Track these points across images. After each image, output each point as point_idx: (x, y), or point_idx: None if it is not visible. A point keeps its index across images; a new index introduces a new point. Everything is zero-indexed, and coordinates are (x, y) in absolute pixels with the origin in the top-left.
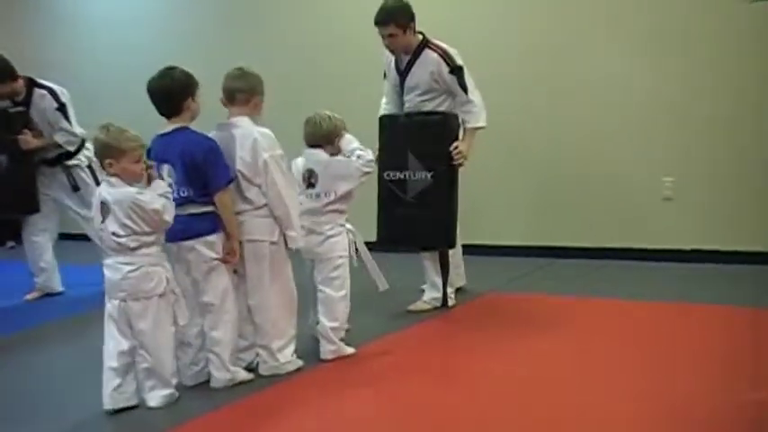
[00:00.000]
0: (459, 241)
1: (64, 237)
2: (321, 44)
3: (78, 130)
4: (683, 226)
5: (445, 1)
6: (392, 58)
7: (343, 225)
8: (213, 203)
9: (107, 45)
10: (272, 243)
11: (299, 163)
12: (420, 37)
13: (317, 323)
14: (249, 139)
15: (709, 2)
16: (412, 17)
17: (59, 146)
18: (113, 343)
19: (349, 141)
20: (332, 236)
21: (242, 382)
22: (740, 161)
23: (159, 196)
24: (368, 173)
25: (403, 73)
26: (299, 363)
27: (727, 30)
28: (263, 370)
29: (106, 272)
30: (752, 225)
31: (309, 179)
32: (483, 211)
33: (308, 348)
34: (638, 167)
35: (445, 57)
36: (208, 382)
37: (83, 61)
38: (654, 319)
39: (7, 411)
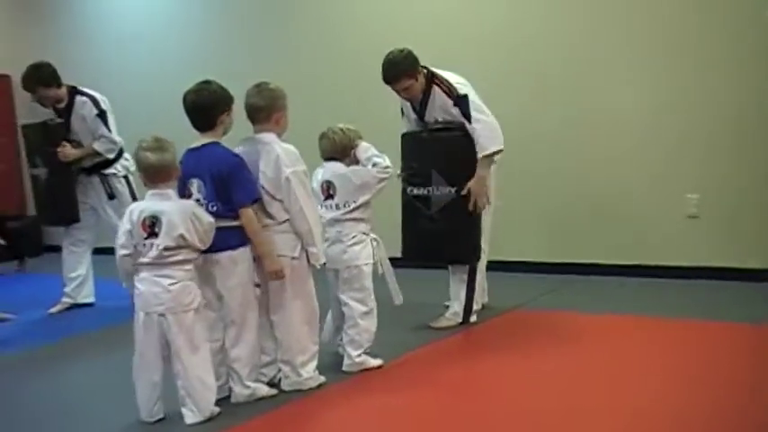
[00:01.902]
0: (485, 257)
1: (96, 251)
2: (343, 52)
3: (117, 138)
4: (708, 243)
5: (453, 31)
6: (407, 102)
7: (366, 234)
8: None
9: (135, 57)
10: (294, 258)
11: (318, 175)
12: (426, 72)
13: (341, 339)
14: (272, 155)
15: (726, 16)
16: (417, 61)
17: (98, 154)
18: (152, 354)
19: (365, 149)
20: (355, 244)
21: (263, 398)
22: (765, 176)
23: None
24: (385, 179)
25: (419, 112)
26: (322, 379)
27: (747, 42)
28: (285, 385)
29: (141, 286)
30: None
31: (328, 190)
32: (506, 227)
33: (330, 363)
34: (663, 184)
35: (448, 90)
36: (230, 396)
37: (111, 73)
38: (679, 336)
39: (36, 427)
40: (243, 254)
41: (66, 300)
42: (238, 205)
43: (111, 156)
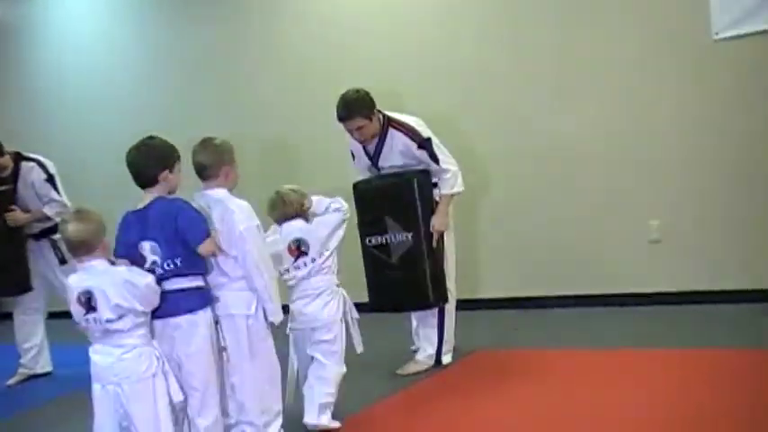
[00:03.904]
0: (453, 299)
1: (49, 315)
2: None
3: (67, 201)
4: (672, 268)
5: (410, 63)
6: (358, 145)
7: (338, 285)
8: (201, 275)
9: (82, 116)
10: (250, 316)
11: (282, 236)
12: (381, 117)
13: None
14: (225, 212)
15: (678, 41)
16: (373, 103)
17: (47, 218)
18: (110, 426)
19: (319, 203)
20: (331, 300)
21: None
22: (728, 199)
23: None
24: (345, 216)
25: (373, 158)
26: None
27: (703, 66)
28: None
29: (94, 357)
30: (741, 264)
31: (299, 249)
32: (462, 265)
33: (295, 420)
34: (624, 211)
35: (411, 134)
36: None
37: (56, 132)
38: (647, 367)
39: None
40: (203, 317)
41: (22, 370)
42: (194, 245)
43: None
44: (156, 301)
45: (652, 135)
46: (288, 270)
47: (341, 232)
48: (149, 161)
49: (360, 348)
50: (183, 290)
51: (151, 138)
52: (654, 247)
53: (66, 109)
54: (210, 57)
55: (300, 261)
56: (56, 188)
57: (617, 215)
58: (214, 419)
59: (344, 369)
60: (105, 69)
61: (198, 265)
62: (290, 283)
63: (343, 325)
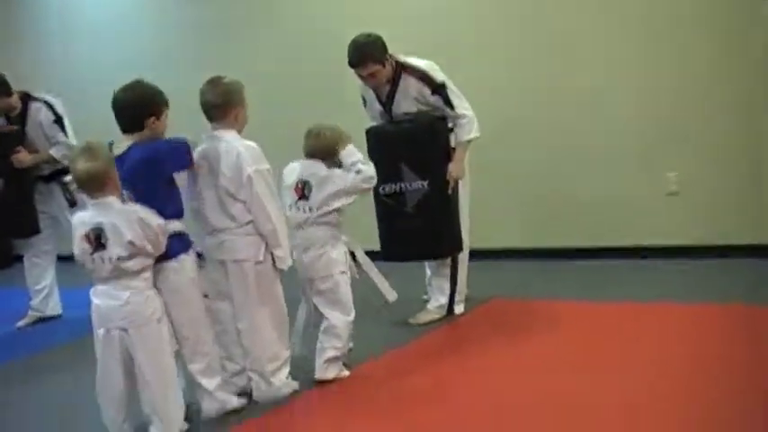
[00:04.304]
0: (467, 248)
1: (59, 258)
2: (306, 45)
3: (74, 143)
4: (689, 221)
5: (440, 7)
6: (370, 90)
7: (338, 237)
8: (178, 219)
9: (104, 50)
10: (258, 262)
11: (294, 171)
12: (393, 62)
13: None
14: (233, 154)
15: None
16: (385, 47)
17: (56, 161)
18: (115, 372)
19: (350, 153)
20: (328, 251)
21: (234, 410)
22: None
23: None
24: (367, 189)
25: (386, 104)
26: (295, 385)
27: (725, 18)
28: (257, 395)
29: (98, 300)
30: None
31: (303, 190)
32: (480, 214)
33: (304, 368)
34: (642, 163)
35: (425, 78)
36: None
37: (81, 70)
38: (665, 320)
39: None
40: (187, 261)
41: (33, 313)
42: (174, 171)
43: (67, 162)
44: (163, 246)
45: (672, 86)
46: (290, 207)
47: (350, 199)
48: (137, 105)
49: (392, 298)
50: None
51: (139, 81)
52: (671, 200)
53: (77, 53)
54: None
55: (301, 203)
56: (63, 129)
57: (635, 167)
58: (206, 364)
59: (351, 317)
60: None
61: (176, 208)
62: (291, 222)
63: (347, 275)
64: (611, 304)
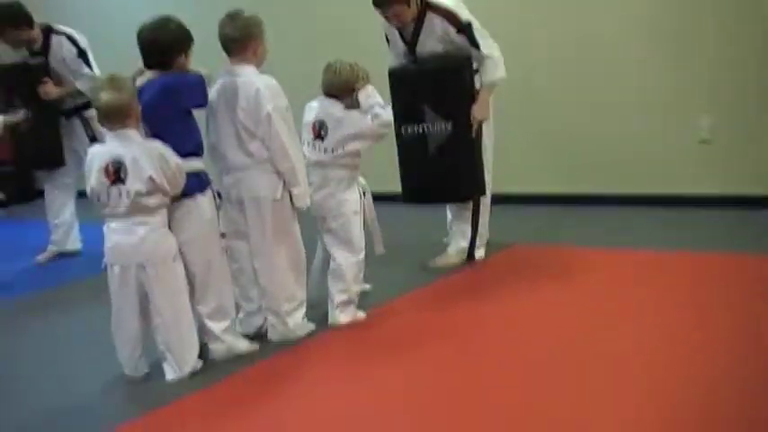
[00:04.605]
0: (489, 191)
1: (79, 194)
2: None
3: (98, 75)
4: (722, 170)
5: None
6: (393, 29)
7: (354, 178)
8: (197, 156)
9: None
10: (276, 200)
11: (313, 109)
12: (419, 0)
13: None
14: (251, 89)
15: None
16: None
17: (81, 93)
18: (130, 309)
19: (368, 95)
20: (341, 190)
21: (243, 353)
22: None
23: None
24: (383, 134)
25: (410, 44)
26: (311, 327)
27: None
28: (272, 335)
29: (114, 236)
30: None
31: (319, 130)
32: (505, 158)
33: (322, 310)
34: (671, 108)
35: (451, 17)
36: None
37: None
38: (693, 270)
39: (22, 383)
40: (199, 202)
41: (52, 248)
42: (191, 106)
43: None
44: (181, 186)
45: (702, 30)
46: (307, 145)
47: (366, 143)
48: (166, 43)
49: (380, 249)
50: None
51: (167, 18)
52: (703, 148)
53: None
54: None
55: (317, 143)
56: (87, 63)
57: (664, 113)
58: (216, 307)
59: (359, 257)
60: None
61: (194, 144)
62: (306, 161)
63: (360, 216)
64: (637, 252)
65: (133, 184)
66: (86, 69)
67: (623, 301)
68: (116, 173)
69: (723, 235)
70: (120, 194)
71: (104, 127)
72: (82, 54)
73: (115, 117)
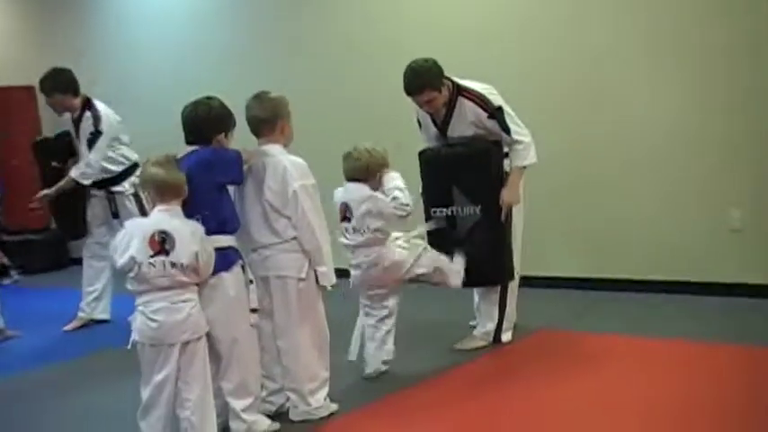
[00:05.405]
0: (518, 276)
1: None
2: (345, 62)
3: (97, 163)
4: (752, 259)
5: (467, 32)
6: (425, 113)
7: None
8: (228, 233)
9: (166, 65)
10: (301, 279)
11: (339, 193)
12: (450, 84)
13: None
14: (279, 168)
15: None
16: (442, 72)
17: (75, 182)
18: (169, 390)
19: (391, 179)
20: (390, 256)
21: None
22: None
23: None
24: (402, 216)
25: (442, 128)
26: (334, 407)
27: None
28: (293, 415)
29: (158, 316)
30: None
31: (345, 213)
32: (536, 242)
33: (345, 389)
34: (704, 197)
35: (482, 102)
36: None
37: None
38: (715, 361)
39: None
40: (224, 279)
41: (81, 315)
42: (224, 180)
43: (86, 182)
44: (209, 272)
45: (734, 115)
46: (341, 230)
47: (384, 222)
48: (208, 121)
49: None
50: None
51: (210, 98)
52: (735, 237)
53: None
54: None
55: (345, 225)
56: (92, 146)
57: (695, 201)
58: (238, 383)
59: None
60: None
61: (225, 222)
62: (346, 244)
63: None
64: (662, 341)
65: (180, 256)
66: (85, 152)
67: (645, 393)
68: (161, 243)
69: (751, 327)
70: (165, 266)
71: (155, 201)
72: (95, 135)
73: (169, 192)
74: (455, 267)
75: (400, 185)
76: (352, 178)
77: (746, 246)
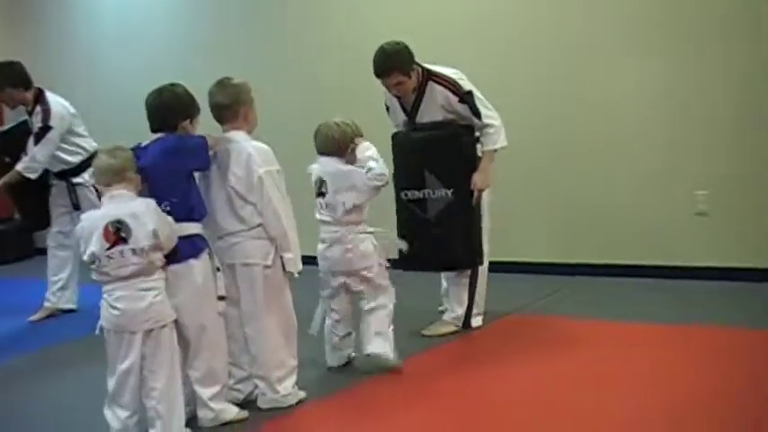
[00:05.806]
0: (487, 260)
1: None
2: (321, 46)
3: (42, 158)
4: (718, 242)
5: (451, 22)
6: (393, 99)
7: (365, 232)
8: (195, 221)
9: (131, 56)
10: (267, 267)
11: (313, 170)
12: (420, 70)
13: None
14: (243, 155)
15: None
16: (412, 56)
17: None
18: (134, 379)
19: (364, 149)
20: (359, 245)
21: (231, 422)
22: None
23: None
24: (378, 186)
25: (411, 113)
26: (302, 395)
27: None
28: (261, 403)
29: (120, 304)
30: None
31: (320, 188)
32: (504, 227)
33: (313, 377)
34: (670, 180)
35: (452, 87)
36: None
37: (104, 74)
38: (683, 343)
39: None
40: (193, 266)
41: (47, 305)
42: (191, 167)
43: (32, 176)
44: (174, 241)
45: (697, 99)
46: (316, 206)
47: (363, 197)
48: (172, 108)
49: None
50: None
51: (174, 84)
52: (700, 220)
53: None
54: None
55: (320, 200)
56: (38, 141)
57: (662, 184)
58: (205, 372)
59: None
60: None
61: (192, 209)
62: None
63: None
64: (631, 324)
65: (139, 240)
66: (31, 147)
67: (613, 374)
68: (116, 233)
69: (719, 309)
70: (124, 255)
71: (101, 189)
72: (42, 130)
73: (115, 177)
74: (385, 327)
75: (374, 155)
76: (323, 152)
77: (712, 229)
